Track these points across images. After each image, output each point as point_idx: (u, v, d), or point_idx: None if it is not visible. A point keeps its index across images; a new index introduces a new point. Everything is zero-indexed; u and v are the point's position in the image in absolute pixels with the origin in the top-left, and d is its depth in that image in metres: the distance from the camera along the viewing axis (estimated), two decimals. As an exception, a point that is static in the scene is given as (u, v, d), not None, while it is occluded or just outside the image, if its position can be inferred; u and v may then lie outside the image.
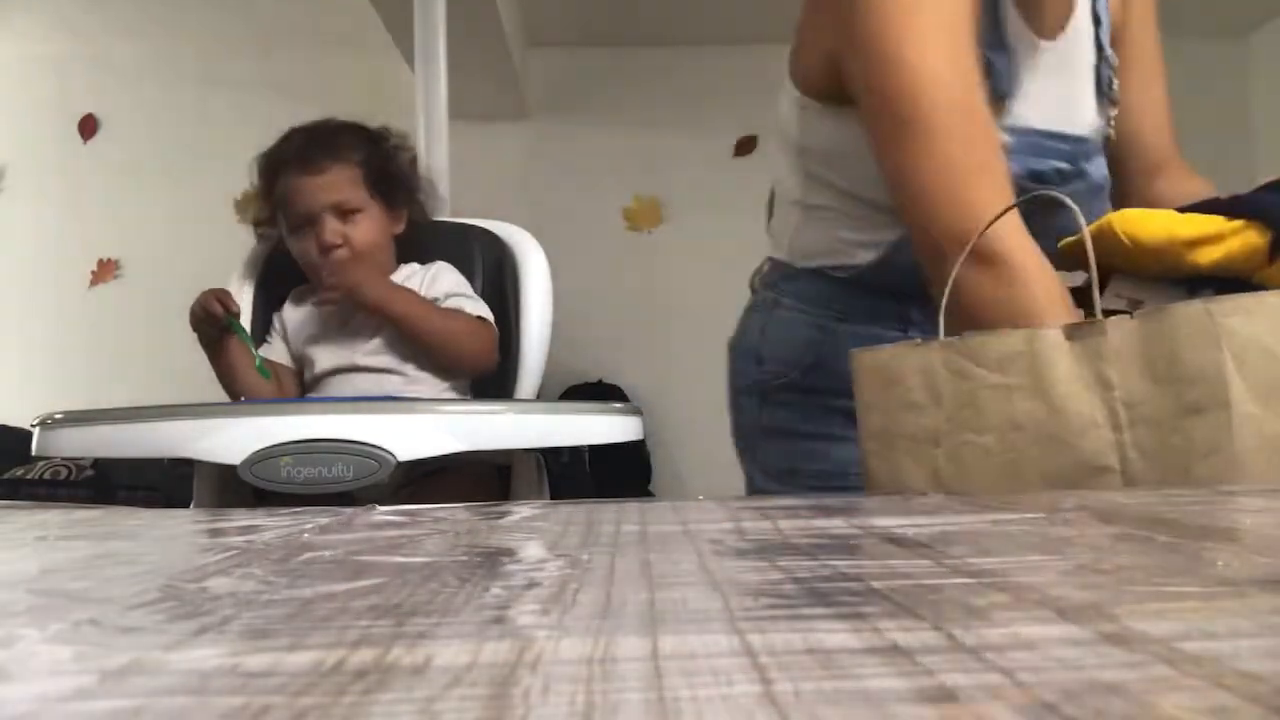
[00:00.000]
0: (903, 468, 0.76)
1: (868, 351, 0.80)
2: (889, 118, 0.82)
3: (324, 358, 1.26)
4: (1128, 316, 0.67)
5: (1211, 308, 0.63)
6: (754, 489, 1.04)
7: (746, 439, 1.06)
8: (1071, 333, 0.68)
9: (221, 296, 1.18)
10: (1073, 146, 0.91)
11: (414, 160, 1.38)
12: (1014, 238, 0.79)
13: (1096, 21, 0.95)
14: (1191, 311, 0.63)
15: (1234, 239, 0.80)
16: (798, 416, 0.99)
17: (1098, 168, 0.94)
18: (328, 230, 1.24)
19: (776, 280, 1.03)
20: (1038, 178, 0.86)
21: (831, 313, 0.97)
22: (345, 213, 1.25)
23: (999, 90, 0.86)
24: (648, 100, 3.50)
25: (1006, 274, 0.78)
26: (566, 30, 3.45)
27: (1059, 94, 0.91)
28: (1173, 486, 0.62)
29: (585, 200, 3.45)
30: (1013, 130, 0.86)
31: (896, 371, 0.77)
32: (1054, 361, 0.68)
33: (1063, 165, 0.90)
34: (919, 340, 0.76)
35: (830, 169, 0.94)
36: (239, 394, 1.21)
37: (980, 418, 0.71)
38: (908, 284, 0.87)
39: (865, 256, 0.93)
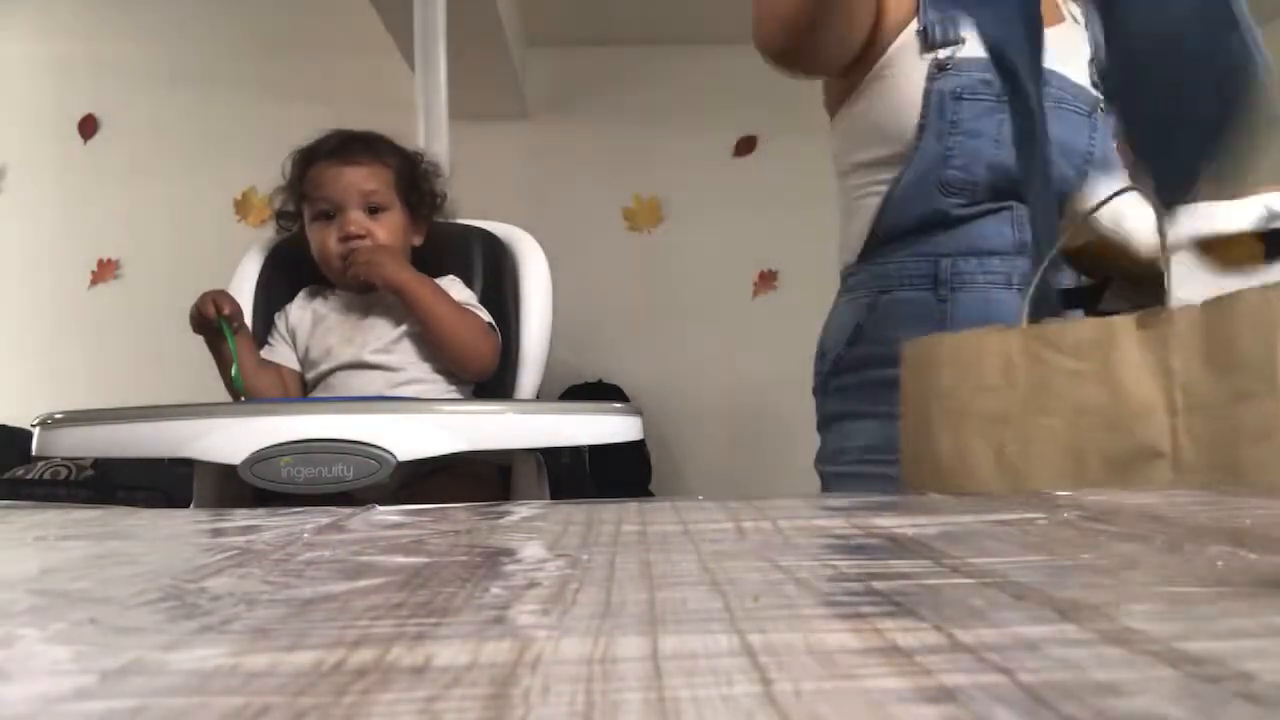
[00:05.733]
0: (971, 447, 0.78)
1: (948, 337, 0.82)
2: None
3: (332, 354, 1.26)
4: (1194, 305, 0.67)
5: (1269, 293, 0.63)
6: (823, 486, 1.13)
7: (819, 438, 1.15)
8: (1143, 321, 0.69)
9: (216, 298, 1.18)
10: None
11: (444, 184, 1.39)
12: None
13: (1095, 43, 1.09)
14: (1252, 297, 0.63)
15: (1232, 244, 0.81)
16: (850, 398, 1.08)
17: (1074, 109, 1.08)
18: (353, 221, 1.24)
19: (841, 283, 1.16)
20: (987, 84, 1.00)
21: (875, 290, 1.08)
22: (372, 209, 1.26)
23: (943, 39, 1.03)
24: (648, 100, 3.49)
25: None
26: (566, 30, 3.45)
27: None
28: (1219, 473, 0.63)
29: (585, 200, 3.45)
30: (954, 60, 1.03)
31: (974, 354, 0.78)
32: (1124, 348, 0.69)
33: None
34: (1001, 326, 0.78)
35: (843, 159, 1.13)
36: (239, 392, 1.21)
37: (1051, 400, 0.72)
38: (917, 220, 1.04)
39: (873, 205, 1.08)
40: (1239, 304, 0.64)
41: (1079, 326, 0.72)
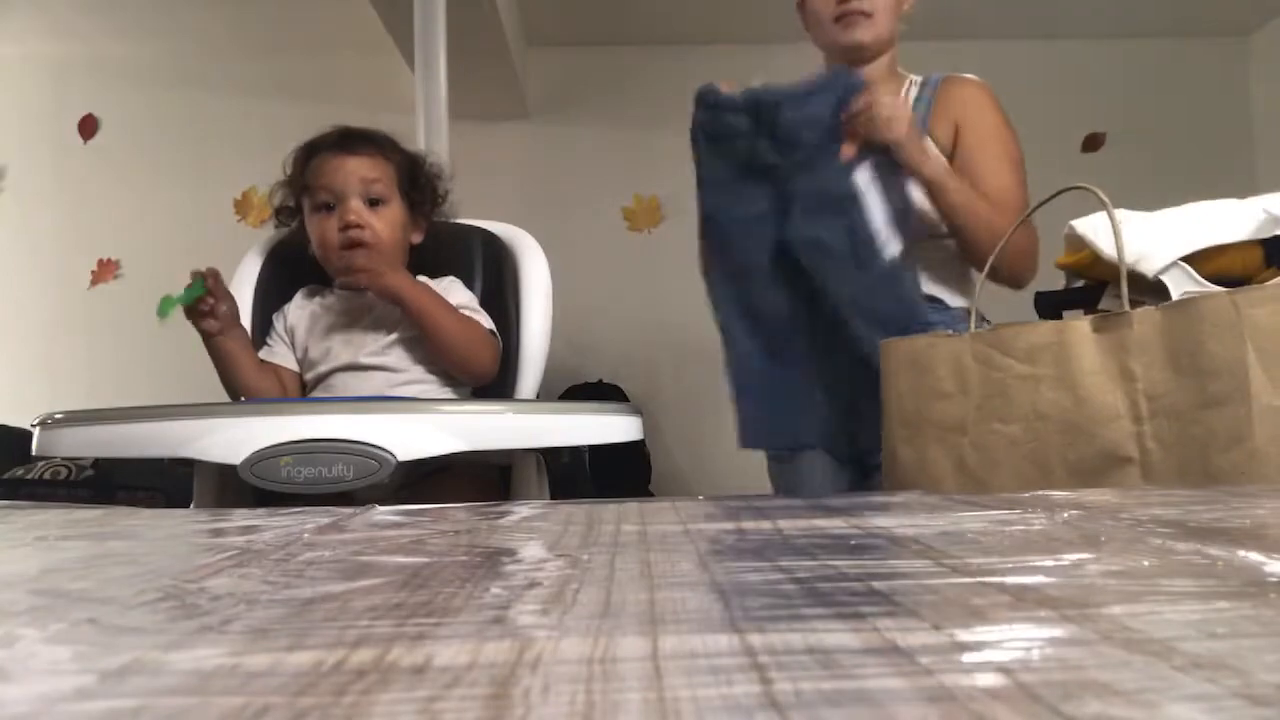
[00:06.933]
0: (929, 455, 0.77)
1: (900, 341, 0.81)
2: None
3: (330, 355, 1.26)
4: (1153, 308, 0.67)
5: (1236, 298, 0.62)
6: None
7: None
8: (1099, 324, 0.68)
9: (204, 270, 1.17)
10: None
11: (446, 185, 1.39)
12: None
13: None
14: (1216, 302, 0.63)
15: (1231, 251, 0.80)
16: None
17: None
18: (352, 210, 1.24)
19: None
20: None
21: None
22: (373, 200, 1.26)
23: None
24: (648, 100, 3.49)
25: None
26: (566, 30, 3.45)
27: None
28: (1191, 479, 0.62)
29: (585, 200, 3.44)
30: None
31: (927, 361, 0.78)
32: (1081, 353, 0.68)
33: None
34: (950, 332, 0.77)
35: None
36: (238, 392, 1.21)
37: (1008, 407, 0.72)
38: None
39: None
40: (1202, 309, 0.63)
41: (1030, 330, 0.72)
